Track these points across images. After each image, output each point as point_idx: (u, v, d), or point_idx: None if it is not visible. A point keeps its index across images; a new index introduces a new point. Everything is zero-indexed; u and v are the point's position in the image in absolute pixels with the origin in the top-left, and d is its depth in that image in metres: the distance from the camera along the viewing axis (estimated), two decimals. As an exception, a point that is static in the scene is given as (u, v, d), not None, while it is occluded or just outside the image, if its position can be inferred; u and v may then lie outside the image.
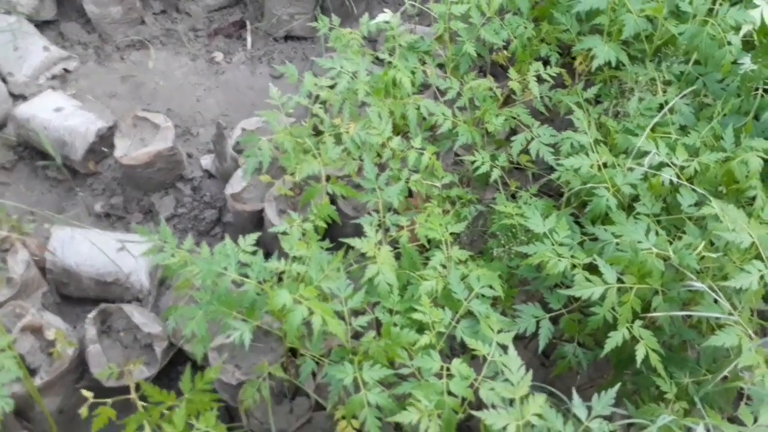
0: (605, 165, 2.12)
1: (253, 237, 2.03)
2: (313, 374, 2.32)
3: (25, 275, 2.45)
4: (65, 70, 3.45)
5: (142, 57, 3.62)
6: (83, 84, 3.46)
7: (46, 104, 3.04)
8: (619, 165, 2.13)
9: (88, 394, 1.79)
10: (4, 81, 3.26)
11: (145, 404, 1.85)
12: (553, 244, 2.00)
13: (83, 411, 1.78)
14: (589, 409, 1.67)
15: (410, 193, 2.39)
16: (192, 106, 3.45)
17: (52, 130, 2.97)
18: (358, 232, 2.40)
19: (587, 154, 2.09)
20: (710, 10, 2.31)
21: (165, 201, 3.03)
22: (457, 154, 2.86)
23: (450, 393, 1.69)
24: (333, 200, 2.42)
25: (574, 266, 1.93)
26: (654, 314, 1.84)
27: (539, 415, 1.61)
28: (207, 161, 3.17)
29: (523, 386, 1.61)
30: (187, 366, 1.89)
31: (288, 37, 3.73)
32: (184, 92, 3.50)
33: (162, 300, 2.77)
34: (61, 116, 3.02)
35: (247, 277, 1.89)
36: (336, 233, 2.26)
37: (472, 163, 2.36)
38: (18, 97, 3.28)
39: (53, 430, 2.13)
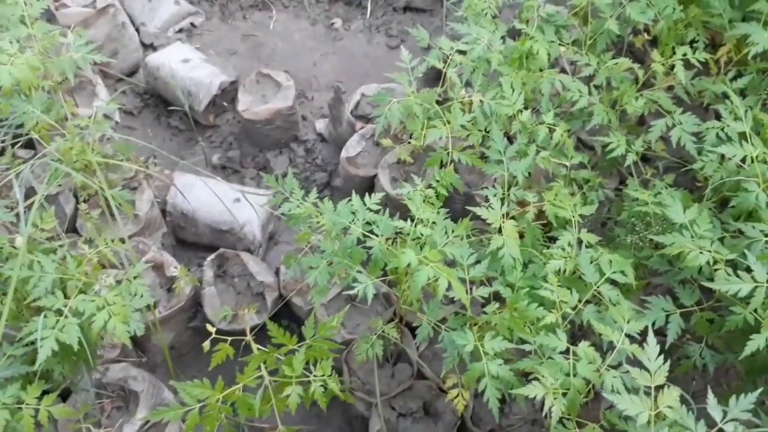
0: (755, 159, 1.97)
1: (377, 196, 2.02)
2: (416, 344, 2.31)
3: (149, 214, 2.55)
4: (192, 24, 3.57)
5: (264, 18, 3.69)
6: (207, 39, 3.57)
7: (175, 54, 3.15)
8: (772, 160, 1.98)
9: (211, 329, 1.84)
10: (138, 31, 3.40)
11: (259, 347, 1.89)
12: (692, 237, 1.88)
13: (205, 345, 1.83)
14: (725, 411, 1.58)
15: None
16: (308, 69, 3.49)
17: (179, 80, 3.07)
18: (466, 211, 2.35)
19: (741, 145, 1.95)
20: None
21: (279, 159, 3.09)
22: (579, 139, 2.75)
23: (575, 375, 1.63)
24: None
25: (715, 261, 1.81)
26: (806, 321, 1.70)
27: (671, 408, 1.52)
28: (321, 125, 3.20)
29: (660, 376, 1.53)
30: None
31: (407, 8, 3.70)
32: (301, 55, 3.54)
33: (269, 254, 2.83)
34: (188, 67, 3.12)
35: (372, 233, 1.89)
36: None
37: (605, 146, 2.26)
38: (148, 47, 3.42)
39: (168, 362, 2.21)
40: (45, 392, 1.83)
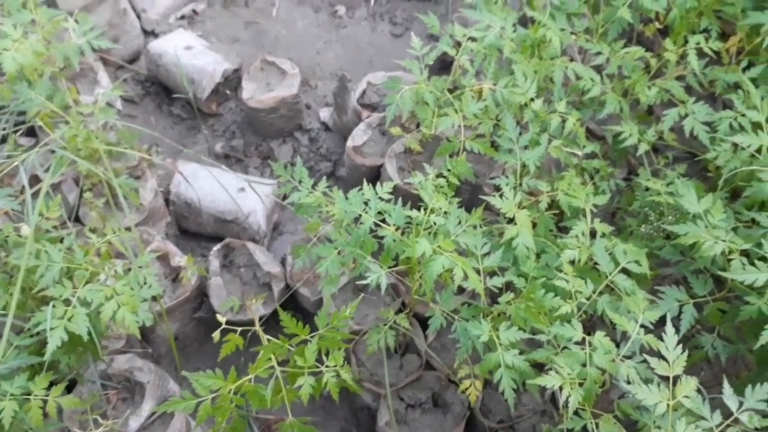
0: (769, 149, 1.96)
1: (389, 185, 1.99)
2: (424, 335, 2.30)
3: (152, 203, 2.52)
4: (194, 11, 3.51)
5: (266, 4, 3.64)
6: (209, 27, 3.52)
7: (178, 41, 3.10)
8: (786, 150, 1.96)
9: (221, 318, 1.82)
10: (138, 17, 3.35)
11: (269, 338, 1.87)
12: (706, 226, 1.86)
13: (216, 335, 1.81)
14: (740, 401, 1.57)
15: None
16: (311, 57, 3.44)
17: (181, 68, 3.03)
18: (473, 202, 2.31)
19: (756, 134, 1.93)
20: None
21: (283, 149, 3.05)
22: (588, 129, 2.72)
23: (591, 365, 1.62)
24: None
25: (730, 251, 1.79)
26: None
27: (689, 398, 1.52)
28: (325, 114, 3.17)
29: (678, 365, 1.52)
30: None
31: (412, -4, 3.66)
32: (304, 43, 3.50)
33: (273, 245, 2.80)
34: (191, 54, 3.07)
35: (384, 222, 1.86)
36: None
37: (616, 135, 2.24)
38: (149, 34, 3.37)
39: (175, 353, 2.19)
40: (51, 384, 1.80)
